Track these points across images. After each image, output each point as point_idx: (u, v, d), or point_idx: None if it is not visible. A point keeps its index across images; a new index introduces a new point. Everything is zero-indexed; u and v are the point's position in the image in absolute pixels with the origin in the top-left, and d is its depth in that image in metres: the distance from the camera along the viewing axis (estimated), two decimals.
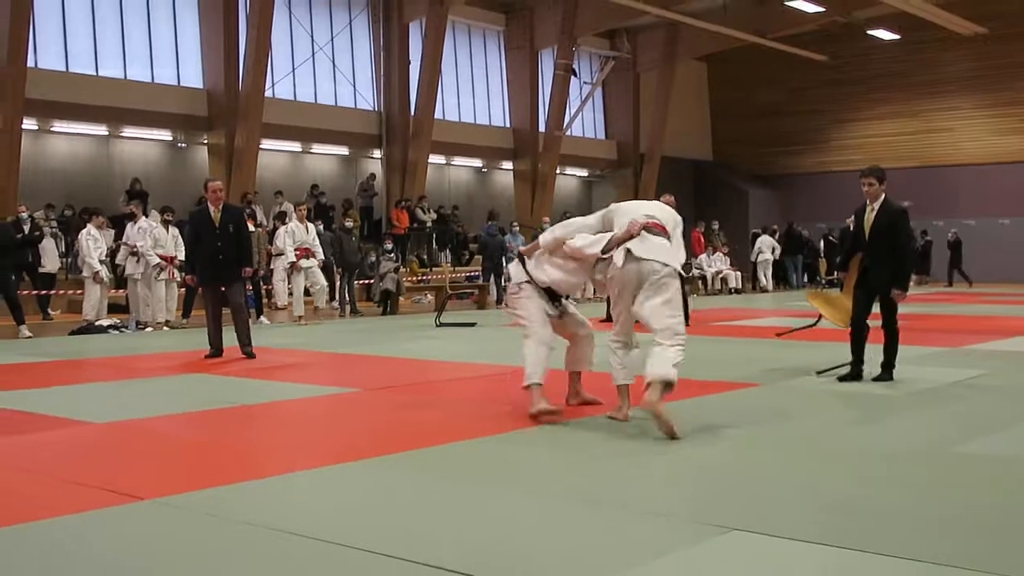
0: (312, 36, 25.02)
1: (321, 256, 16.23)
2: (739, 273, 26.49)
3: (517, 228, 22.73)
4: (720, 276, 26.00)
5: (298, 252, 15.89)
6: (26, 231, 16.85)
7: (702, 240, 26.46)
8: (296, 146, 25.39)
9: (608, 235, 6.48)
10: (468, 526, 4.00)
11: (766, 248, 26.69)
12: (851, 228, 8.72)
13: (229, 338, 10.57)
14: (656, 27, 30.90)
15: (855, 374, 8.19)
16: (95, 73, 21.56)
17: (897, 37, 29.41)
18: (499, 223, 23.48)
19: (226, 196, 20.41)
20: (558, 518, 4.12)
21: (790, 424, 6.43)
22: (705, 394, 7.45)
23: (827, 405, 7.22)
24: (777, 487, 4.64)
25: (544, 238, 6.88)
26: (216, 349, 10.46)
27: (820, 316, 9.64)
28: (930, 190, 29.47)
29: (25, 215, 17.42)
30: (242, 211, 11.09)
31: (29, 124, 20.26)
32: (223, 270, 10.43)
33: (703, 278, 25.84)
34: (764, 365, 9.23)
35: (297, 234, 16.02)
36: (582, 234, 6.64)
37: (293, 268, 15.96)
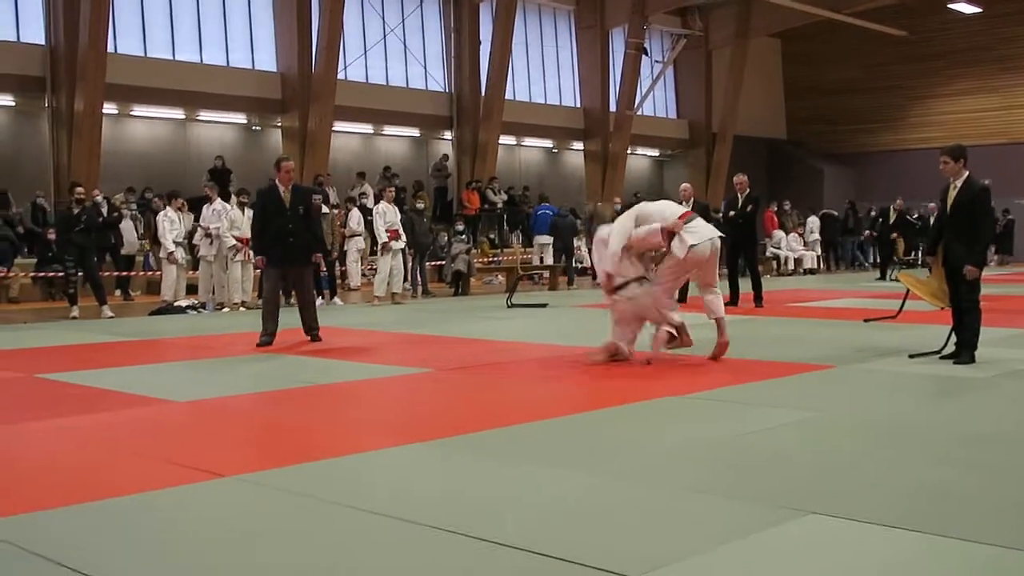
0: (383, 18, 25.07)
1: (405, 238, 16.27)
2: (813, 253, 26.06)
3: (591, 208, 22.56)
4: (794, 257, 25.59)
5: (389, 233, 15.90)
6: (105, 214, 17.24)
7: (775, 220, 26.08)
8: (368, 128, 25.50)
9: (656, 225, 7.99)
10: (537, 506, 3.99)
11: (815, 229, 26.21)
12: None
13: (287, 322, 10.30)
14: (728, 4, 30.49)
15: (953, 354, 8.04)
16: (172, 58, 21.85)
17: (978, 10, 28.65)
18: (569, 205, 23.30)
19: (299, 178, 20.99)
20: (628, 499, 4.09)
21: (867, 406, 6.30)
22: (778, 376, 7.34)
23: (905, 387, 7.05)
24: (854, 470, 4.56)
25: (613, 246, 8.06)
26: (269, 335, 9.89)
27: (905, 298, 9.43)
28: (1014, 167, 28.63)
29: (100, 198, 17.77)
30: (311, 192, 10.79)
31: (109, 108, 20.62)
32: (294, 253, 10.05)
33: (776, 258, 25.46)
34: (840, 347, 9.04)
35: (388, 215, 16.09)
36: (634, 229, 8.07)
37: (383, 248, 15.96)
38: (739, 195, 13.86)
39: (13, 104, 20.49)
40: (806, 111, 35.21)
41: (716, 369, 7.82)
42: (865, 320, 11.35)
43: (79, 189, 14.32)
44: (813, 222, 26.35)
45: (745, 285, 13.94)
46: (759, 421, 5.63)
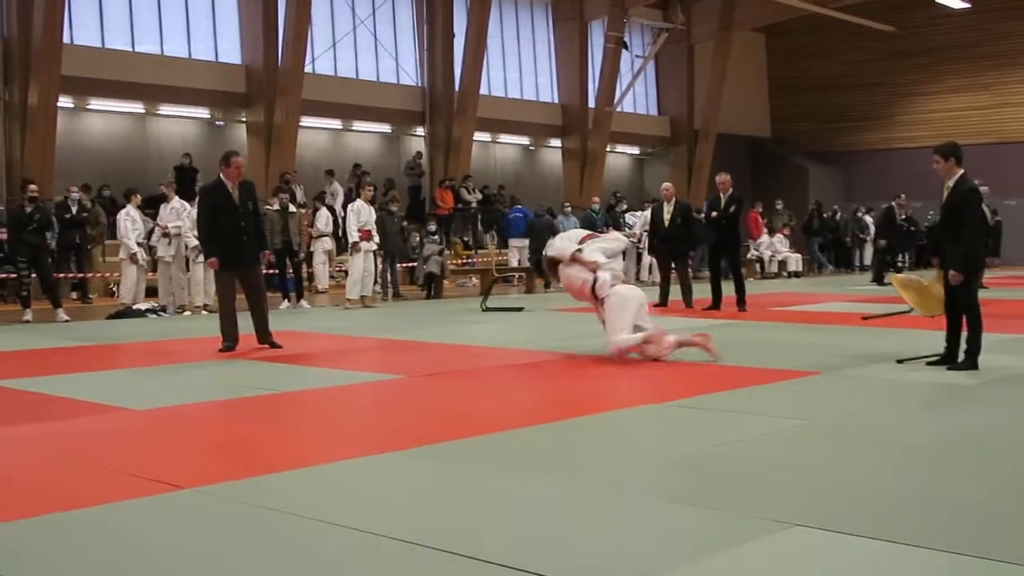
0: (353, 9, 24.39)
1: (377, 239, 15.59)
2: (799, 256, 25.48)
3: (569, 209, 21.91)
4: (779, 259, 25.01)
5: (361, 233, 15.26)
6: (74, 212, 16.68)
7: (759, 221, 25.41)
8: (337, 123, 24.90)
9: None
10: (513, 518, 3.94)
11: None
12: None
13: (244, 325, 9.95)
14: None
15: (944, 359, 7.84)
16: (131, 49, 21.11)
17: (967, 5, 28.30)
18: (546, 204, 22.64)
19: (264, 176, 20.28)
20: (607, 511, 4.03)
21: (853, 414, 6.16)
22: (761, 383, 7.21)
23: (894, 395, 6.89)
24: (840, 480, 4.48)
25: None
26: (232, 340, 9.59)
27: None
28: (1003, 167, 28.17)
29: (76, 195, 17.17)
30: (254, 186, 10.26)
31: (65, 102, 19.89)
32: (247, 251, 9.64)
33: (760, 260, 24.88)
34: (826, 353, 8.92)
35: (362, 214, 15.44)
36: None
37: (354, 249, 15.33)
38: (722, 195, 13.50)
39: None
40: (791, 108, 34.95)
41: (697, 376, 7.70)
42: (864, 318, 10.95)
43: (32, 187, 14.06)
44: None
45: (727, 288, 13.71)
46: (741, 430, 5.56)
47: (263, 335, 9.74)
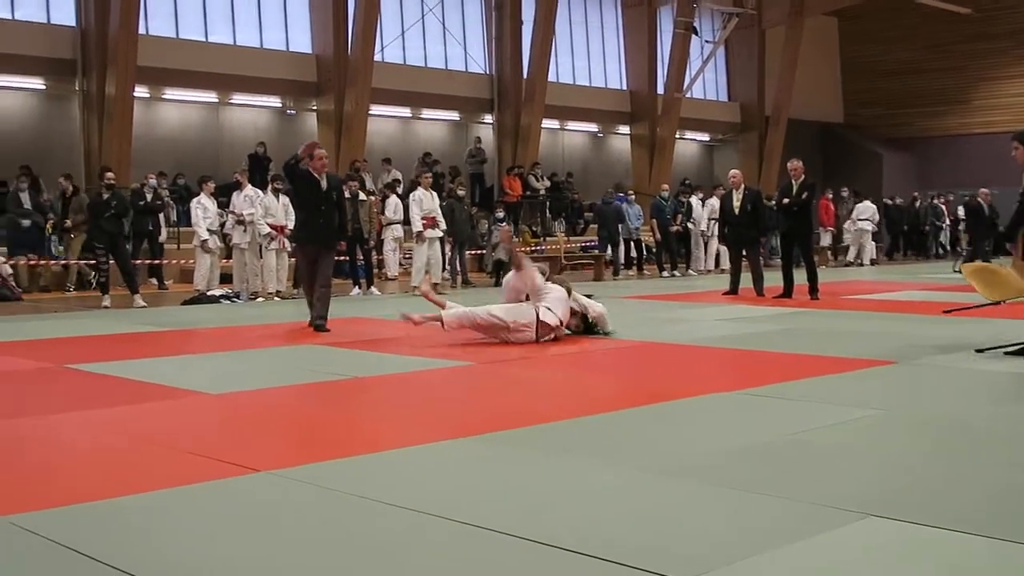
0: None
1: (444, 226, 15.65)
2: (873, 244, 24.99)
3: (633, 196, 21.76)
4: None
5: (424, 221, 15.28)
6: (148, 199, 16.96)
7: (831, 208, 24.97)
8: (406, 112, 25.00)
9: None
10: (581, 503, 3.87)
11: (863, 215, 24.79)
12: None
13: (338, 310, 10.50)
14: None
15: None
16: (204, 39, 21.41)
17: None
18: (614, 191, 22.51)
19: (335, 164, 20.46)
20: (678, 499, 3.96)
21: (931, 404, 5.98)
22: (835, 372, 7.02)
23: (972, 384, 6.62)
24: (917, 471, 4.34)
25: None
26: (321, 319, 10.07)
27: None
28: None
29: (153, 182, 17.48)
30: (342, 182, 10.65)
31: (141, 91, 20.24)
32: (324, 235, 10.13)
33: (832, 249, 24.47)
34: (902, 342, 8.64)
35: (424, 202, 15.51)
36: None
37: (418, 237, 15.38)
38: (793, 181, 13.27)
39: (44, 87, 20.22)
40: (864, 93, 34.32)
41: (769, 365, 7.54)
42: (946, 311, 10.70)
43: (109, 174, 14.19)
44: (865, 209, 24.98)
45: (799, 276, 13.45)
46: (814, 419, 5.40)
47: (317, 317, 9.99)
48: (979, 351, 7.78)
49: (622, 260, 20.37)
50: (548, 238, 22.51)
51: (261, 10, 22.34)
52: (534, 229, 23.48)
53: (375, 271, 16.99)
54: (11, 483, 4.22)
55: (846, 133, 34.39)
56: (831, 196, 25.44)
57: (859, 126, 34.53)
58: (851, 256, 24.32)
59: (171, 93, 21.46)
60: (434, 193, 15.96)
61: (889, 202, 27.04)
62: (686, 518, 3.68)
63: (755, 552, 3.27)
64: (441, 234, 15.77)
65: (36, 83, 19.99)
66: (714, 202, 19.80)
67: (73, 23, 19.84)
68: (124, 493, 3.99)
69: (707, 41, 29.68)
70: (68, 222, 16.45)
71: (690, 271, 20.39)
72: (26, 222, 16.51)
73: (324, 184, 10.15)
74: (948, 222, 27.66)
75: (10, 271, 15.42)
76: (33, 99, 20.26)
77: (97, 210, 13.74)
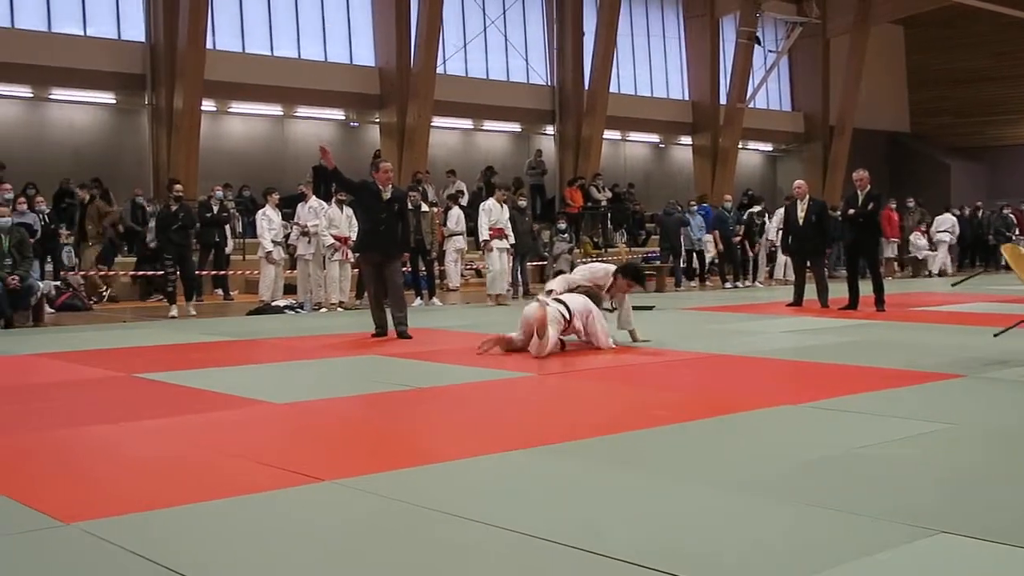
0: (484, 10, 24.58)
1: (512, 240, 15.70)
2: (940, 254, 24.53)
3: (695, 207, 21.60)
4: (919, 257, 24.15)
5: (492, 231, 15.41)
6: (215, 211, 17.20)
7: (894, 218, 24.53)
8: (467, 123, 25.08)
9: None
10: (648, 518, 3.84)
11: (943, 226, 24.47)
12: None
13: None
14: None
15: None
16: (270, 53, 21.71)
17: None
18: (675, 201, 22.40)
19: (398, 175, 20.62)
20: (742, 513, 3.91)
21: (1001, 418, 5.86)
22: (902, 385, 6.92)
23: None
24: (988, 486, 4.22)
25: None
26: (380, 329, 10.38)
27: None
28: None
29: (219, 195, 17.75)
30: (406, 195, 10.82)
31: (208, 105, 20.58)
32: (384, 243, 10.34)
33: (898, 260, 24.07)
34: (970, 354, 8.46)
35: (493, 213, 15.58)
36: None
37: (486, 247, 15.55)
38: (859, 192, 13.10)
39: (114, 102, 20.65)
40: (931, 102, 33.78)
41: (834, 378, 7.44)
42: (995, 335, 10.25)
43: (177, 186, 14.44)
44: (944, 220, 24.62)
45: (865, 288, 13.28)
46: (880, 433, 5.33)
47: (397, 324, 10.31)
48: None
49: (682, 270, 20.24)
50: (609, 249, 22.45)
51: (325, 24, 22.63)
52: (595, 240, 23.43)
53: (436, 282, 17.08)
54: (82, 490, 4.29)
55: (912, 143, 33.89)
56: (895, 206, 25.02)
57: (926, 135, 33.99)
58: (935, 267, 24.05)
59: (237, 106, 21.80)
60: (505, 206, 16.00)
61: (956, 213, 26.55)
62: (750, 532, 3.63)
63: (822, 568, 3.22)
64: (508, 246, 15.82)
65: (107, 98, 20.43)
66: (778, 212, 19.64)
67: (143, 39, 20.26)
68: (191, 501, 4.03)
69: (770, 51, 29.46)
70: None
71: (757, 283, 20.19)
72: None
73: (387, 195, 10.37)
74: (1018, 232, 27.04)
75: (81, 282, 15.74)
76: (104, 113, 20.72)
77: (165, 222, 13.98)
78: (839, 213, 14.63)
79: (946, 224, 24.36)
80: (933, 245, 24.58)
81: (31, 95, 19.73)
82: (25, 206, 14.88)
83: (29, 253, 12.75)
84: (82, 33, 19.77)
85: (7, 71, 18.62)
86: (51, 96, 19.93)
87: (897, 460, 4.72)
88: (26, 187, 16.43)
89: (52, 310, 13.85)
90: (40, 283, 13.03)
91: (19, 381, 7.83)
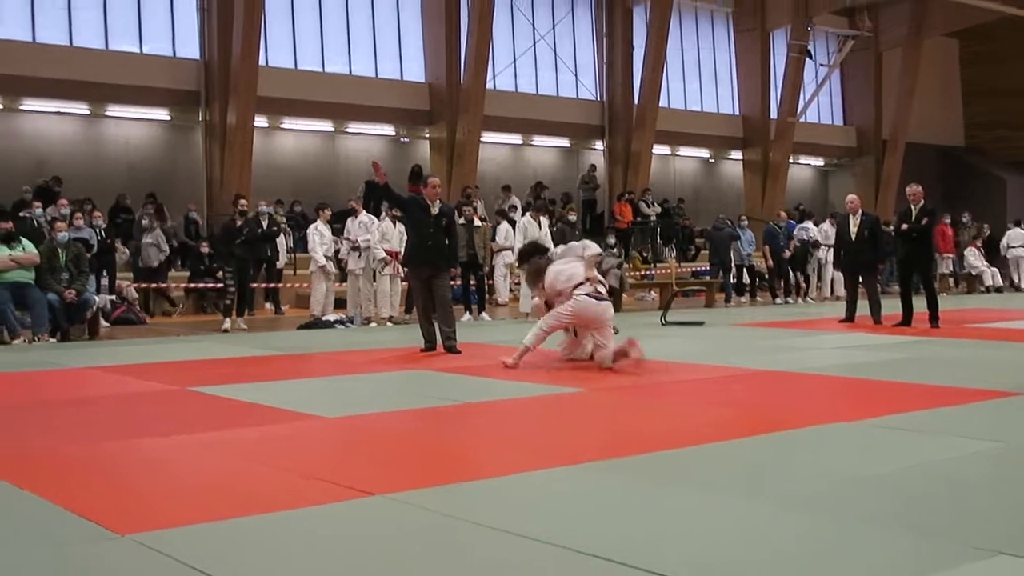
0: (533, 25, 24.66)
1: (554, 250, 15.65)
2: (995, 270, 24.13)
3: (746, 222, 21.46)
4: (974, 273, 23.76)
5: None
6: (264, 226, 17.36)
7: (949, 234, 24.18)
8: (517, 138, 25.14)
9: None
10: (698, 535, 3.82)
11: (1016, 241, 24.13)
12: None
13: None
14: (901, 1, 29.08)
15: None
16: (321, 70, 21.92)
17: None
18: (724, 215, 22.26)
19: (447, 190, 20.71)
20: (796, 529, 3.87)
21: None
22: (956, 403, 6.79)
23: None
24: None
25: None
26: (429, 343, 10.47)
27: None
28: None
29: (265, 210, 17.89)
30: (454, 211, 10.92)
31: (260, 121, 20.83)
32: (432, 257, 10.45)
33: (953, 276, 23.70)
34: None
35: (529, 230, 15.57)
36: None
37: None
38: (912, 207, 12.95)
39: (168, 118, 20.95)
40: (986, 116, 33.27)
41: (888, 395, 7.31)
42: None
43: (243, 201, 14.53)
44: (1017, 235, 24.25)
45: (919, 304, 13.11)
46: (935, 451, 5.28)
47: (445, 339, 10.37)
48: None
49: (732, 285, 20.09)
50: (659, 264, 22.35)
51: (376, 41, 22.83)
52: (644, 255, 23.35)
53: (486, 297, 17.09)
54: (136, 502, 4.34)
55: (967, 157, 33.38)
56: (950, 222, 24.67)
57: (981, 149, 33.49)
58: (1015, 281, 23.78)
59: (289, 122, 22.06)
60: (543, 220, 15.99)
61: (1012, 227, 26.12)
62: (806, 549, 3.60)
63: None
64: None
65: (162, 114, 20.78)
66: (827, 227, 19.50)
67: (197, 56, 20.57)
68: (244, 514, 4.06)
69: (822, 64, 29.22)
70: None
71: (809, 299, 19.99)
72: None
73: (435, 210, 10.50)
74: None
75: (136, 296, 15.97)
76: (159, 130, 21.06)
77: (229, 236, 14.10)
78: (892, 228, 14.45)
79: (1020, 239, 24.09)
80: (993, 260, 24.19)
81: (88, 112, 20.11)
82: (81, 221, 15.16)
83: (85, 267, 12.99)
84: (138, 50, 20.12)
85: (65, 88, 19.00)
86: (107, 113, 20.31)
87: (952, 479, 4.64)
88: (83, 202, 16.74)
89: (107, 323, 14.06)
90: (96, 297, 13.25)
91: (76, 394, 7.94)
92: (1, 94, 19.06)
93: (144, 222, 17.30)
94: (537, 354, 9.30)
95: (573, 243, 9.92)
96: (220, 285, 14.95)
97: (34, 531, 3.86)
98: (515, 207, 21.35)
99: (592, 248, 9.27)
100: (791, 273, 19.96)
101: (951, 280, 23.72)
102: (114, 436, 5.89)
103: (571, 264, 9.11)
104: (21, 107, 19.48)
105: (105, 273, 15.64)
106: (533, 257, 9.61)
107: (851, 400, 7.28)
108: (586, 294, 8.81)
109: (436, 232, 10.47)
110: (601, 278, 9.23)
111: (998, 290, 23.45)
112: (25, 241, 12.38)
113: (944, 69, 33.63)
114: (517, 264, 9.46)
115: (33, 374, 9.14)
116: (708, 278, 20.25)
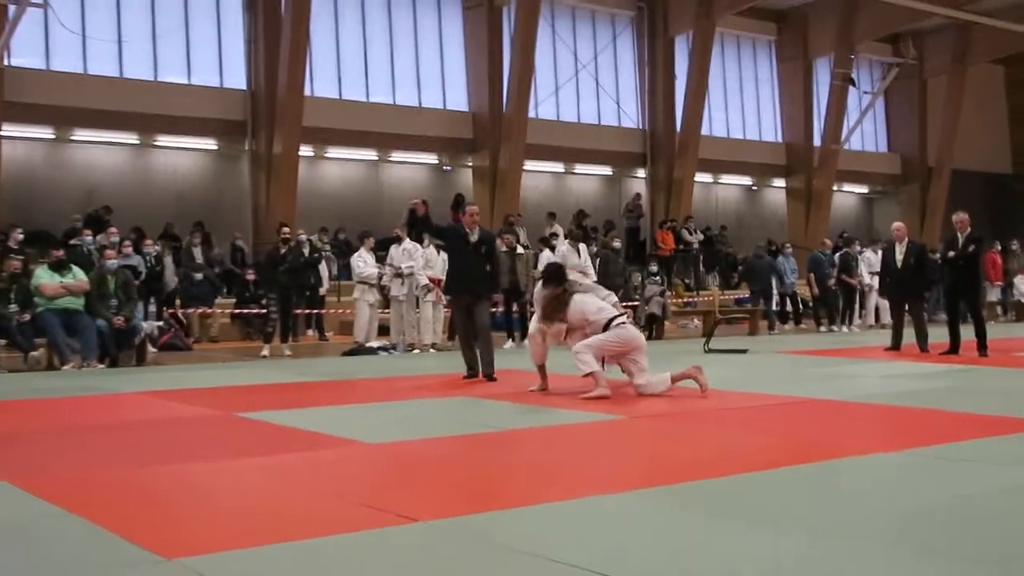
0: (575, 54, 24.75)
1: (593, 276, 15.66)
2: None
3: (790, 250, 21.33)
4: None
5: None
6: (306, 254, 17.52)
7: (998, 262, 23.86)
8: (559, 167, 25.20)
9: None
10: (748, 565, 3.77)
11: None
12: None
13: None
14: (945, 29, 28.75)
15: None
16: (366, 99, 22.14)
17: None
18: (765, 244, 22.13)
19: (489, 219, 20.81)
20: (849, 559, 3.80)
21: None
22: (1006, 433, 6.69)
23: None
24: None
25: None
26: (471, 370, 10.49)
27: None
28: None
29: (303, 238, 18.04)
30: (495, 238, 11.01)
31: (305, 150, 21.06)
32: (472, 284, 10.50)
33: (1002, 304, 23.38)
34: None
35: (569, 258, 15.56)
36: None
37: None
38: (959, 234, 12.82)
39: (216, 148, 21.23)
40: None
41: (933, 424, 7.25)
42: None
43: (286, 229, 14.77)
44: None
45: (967, 332, 12.98)
46: (987, 481, 5.21)
47: (484, 365, 10.41)
48: None
49: (776, 313, 19.94)
50: (701, 292, 22.27)
51: (420, 70, 23.03)
52: (687, 283, 23.27)
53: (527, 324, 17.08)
54: (183, 526, 4.38)
55: (1015, 184, 32.94)
56: (999, 249, 24.34)
57: None
58: None
59: (334, 151, 22.29)
60: (581, 246, 15.98)
61: None
62: None
63: None
64: None
65: (209, 144, 21.09)
66: (870, 255, 19.30)
67: (244, 86, 20.88)
68: (288, 539, 4.08)
69: (865, 92, 29.05)
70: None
71: (853, 327, 19.78)
72: (199, 276, 17.35)
73: (474, 238, 10.53)
74: None
75: (183, 322, 16.17)
76: (206, 159, 21.38)
77: (272, 263, 14.32)
78: (939, 256, 14.32)
79: None
80: None
81: (137, 141, 20.46)
82: (130, 249, 15.40)
83: (134, 294, 13.20)
84: (186, 81, 20.45)
85: (115, 119, 19.36)
86: (156, 143, 20.65)
87: (1003, 510, 4.57)
88: (132, 231, 17.01)
89: (154, 349, 14.25)
90: (144, 323, 13.44)
91: (124, 418, 8.05)
92: (53, 125, 19.45)
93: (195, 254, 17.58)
94: (573, 380, 9.28)
95: (592, 285, 10.44)
96: (263, 311, 15.09)
97: (83, 555, 3.91)
98: (556, 235, 21.38)
99: (613, 299, 9.72)
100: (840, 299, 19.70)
101: (999, 308, 23.41)
102: (161, 461, 5.96)
103: (595, 299, 9.33)
104: (72, 137, 19.86)
105: (152, 300, 15.85)
106: (563, 281, 9.39)
107: (898, 429, 7.20)
108: (624, 322, 9.12)
109: (475, 259, 10.50)
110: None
111: None
112: (76, 268, 12.61)
113: (990, 95, 33.30)
114: (543, 284, 9.41)
115: (83, 399, 9.27)
116: (749, 306, 20.15)
